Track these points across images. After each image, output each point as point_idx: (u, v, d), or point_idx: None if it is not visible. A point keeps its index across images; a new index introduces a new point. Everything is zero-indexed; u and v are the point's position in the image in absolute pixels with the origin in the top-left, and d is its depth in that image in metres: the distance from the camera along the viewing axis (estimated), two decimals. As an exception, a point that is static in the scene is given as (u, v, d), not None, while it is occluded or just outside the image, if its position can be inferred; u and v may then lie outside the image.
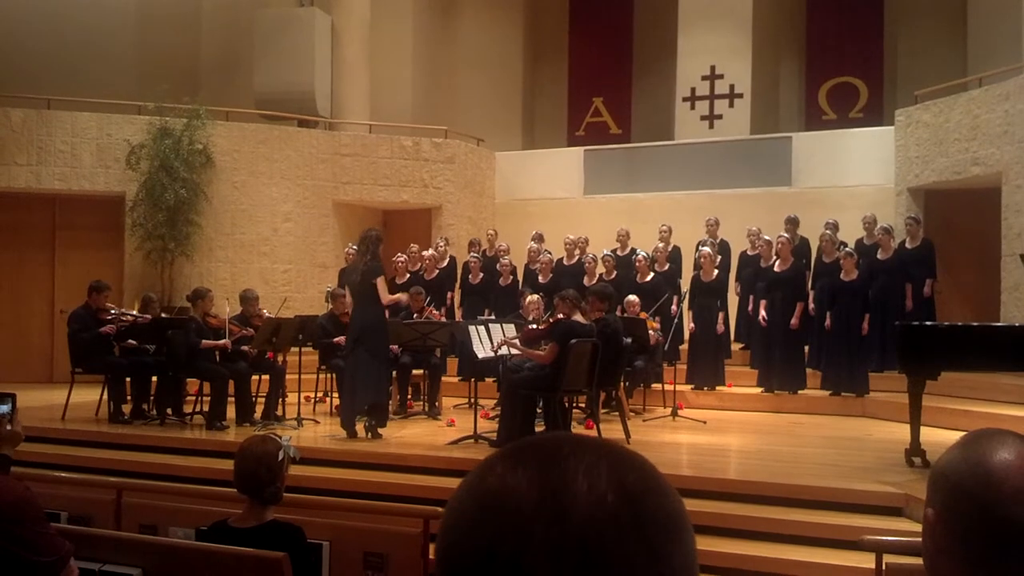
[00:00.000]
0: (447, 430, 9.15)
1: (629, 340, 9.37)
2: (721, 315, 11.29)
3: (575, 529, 0.75)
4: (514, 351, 8.52)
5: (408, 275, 12.25)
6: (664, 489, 0.82)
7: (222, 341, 9.42)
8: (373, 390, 8.56)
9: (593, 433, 8.39)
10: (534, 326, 8.92)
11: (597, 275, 11.89)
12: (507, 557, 0.75)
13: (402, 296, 10.06)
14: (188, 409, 9.79)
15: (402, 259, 12.38)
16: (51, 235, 13.94)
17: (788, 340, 10.82)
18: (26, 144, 13.43)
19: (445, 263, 12.92)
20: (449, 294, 12.76)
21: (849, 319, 10.53)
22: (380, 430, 8.57)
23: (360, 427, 8.51)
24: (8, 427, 3.50)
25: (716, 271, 11.42)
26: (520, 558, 0.75)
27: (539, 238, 13.27)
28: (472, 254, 12.98)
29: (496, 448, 7.86)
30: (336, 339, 10.37)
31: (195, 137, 13.65)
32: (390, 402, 10.57)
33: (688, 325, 11.41)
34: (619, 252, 12.60)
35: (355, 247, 11.76)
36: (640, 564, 0.76)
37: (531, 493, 0.77)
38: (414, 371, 10.65)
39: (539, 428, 8.35)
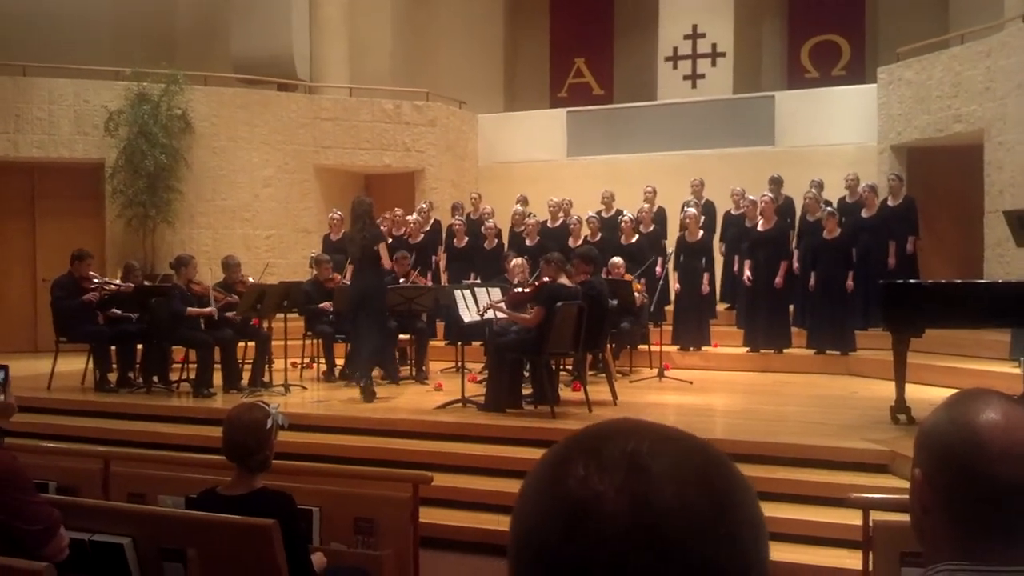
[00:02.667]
0: (435, 394, 9.17)
1: (614, 302, 9.38)
2: (706, 275, 11.30)
3: (673, 541, 0.74)
4: (500, 315, 8.52)
5: (391, 239, 12.19)
6: (743, 484, 0.82)
7: (207, 309, 9.38)
8: (380, 352, 9.00)
9: (580, 395, 8.44)
10: (519, 289, 8.92)
11: (582, 237, 11.87)
12: (605, 571, 0.74)
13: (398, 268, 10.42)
14: (174, 377, 9.77)
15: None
16: (31, 204, 13.80)
17: (773, 299, 10.86)
18: (2, 112, 13.25)
19: (429, 227, 12.86)
20: (434, 258, 12.71)
21: (832, 277, 10.56)
22: (387, 382, 9.28)
23: (356, 391, 8.66)
24: (1, 398, 3.48)
25: (701, 232, 11.42)
26: (620, 572, 0.73)
27: (524, 201, 13.22)
28: (456, 217, 12.92)
29: (483, 411, 7.91)
30: (321, 305, 10.35)
31: (173, 102, 13.51)
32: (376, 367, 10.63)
33: (673, 286, 11.43)
34: (604, 214, 12.57)
35: (339, 213, 11.73)
36: (735, 565, 0.76)
37: (621, 502, 0.75)
38: (401, 336, 10.64)
39: (526, 391, 8.37)
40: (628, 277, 10.49)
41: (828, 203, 11.31)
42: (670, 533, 0.74)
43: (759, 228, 11.00)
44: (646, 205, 12.25)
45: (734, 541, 0.76)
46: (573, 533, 0.75)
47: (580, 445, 0.81)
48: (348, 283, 9.68)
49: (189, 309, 9.29)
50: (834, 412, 7.95)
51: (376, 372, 9.27)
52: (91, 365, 9.75)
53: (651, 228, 11.89)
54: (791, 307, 11.17)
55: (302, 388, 9.74)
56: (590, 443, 0.81)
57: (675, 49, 15.93)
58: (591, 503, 0.76)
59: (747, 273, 10.99)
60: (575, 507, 0.76)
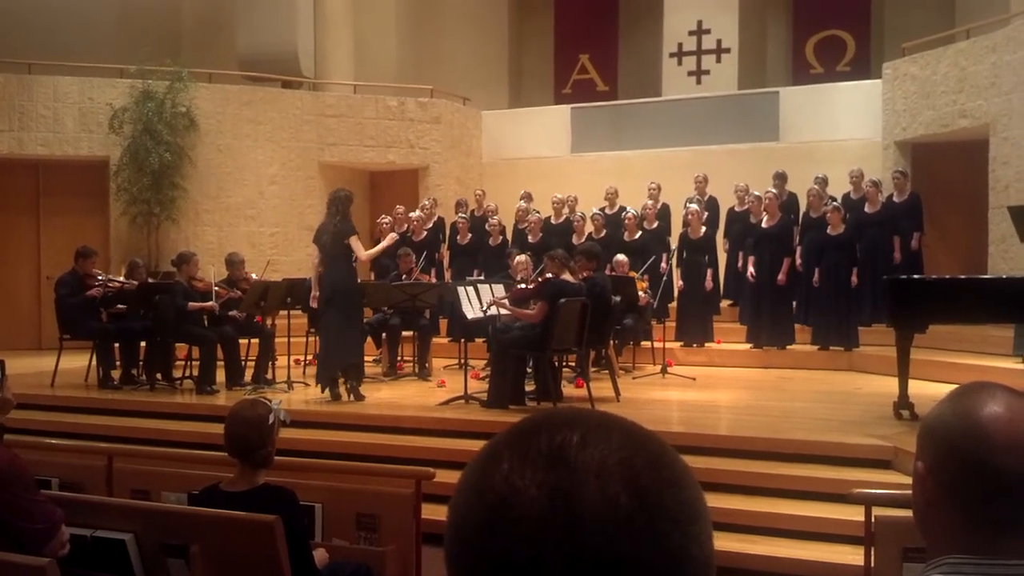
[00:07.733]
0: (438, 391, 9.16)
1: (618, 299, 9.37)
2: (709, 272, 11.29)
3: (589, 538, 0.73)
4: (503, 311, 8.52)
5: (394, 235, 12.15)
6: (680, 480, 0.80)
7: (208, 303, 9.39)
8: (345, 352, 8.45)
9: (583, 392, 8.43)
10: (523, 286, 8.91)
11: (586, 234, 11.85)
12: (522, 566, 0.74)
13: (388, 241, 9.55)
14: (177, 374, 9.78)
15: (386, 220, 12.29)
16: (35, 201, 13.82)
17: (776, 296, 10.84)
18: (7, 109, 13.28)
19: (432, 224, 12.84)
20: (437, 255, 12.70)
21: (836, 273, 10.54)
22: (361, 390, 8.52)
23: (343, 389, 8.51)
24: (-2, 394, 3.48)
25: (704, 228, 11.41)
26: (536, 568, 0.73)
27: (527, 197, 13.20)
28: (460, 214, 12.91)
29: (486, 408, 7.90)
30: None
31: (178, 100, 13.52)
32: (379, 363, 10.61)
33: (677, 282, 11.41)
34: (607, 210, 12.54)
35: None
36: (657, 563, 0.75)
37: (541, 499, 0.75)
38: (404, 332, 10.63)
39: (529, 387, 8.37)
40: (632, 274, 10.48)
41: (832, 199, 11.29)
42: (587, 530, 0.73)
43: (763, 224, 10.99)
44: (650, 202, 12.23)
45: (657, 538, 0.75)
46: (494, 528, 0.76)
47: (511, 438, 0.81)
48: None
49: (191, 304, 9.30)
50: (837, 408, 7.93)
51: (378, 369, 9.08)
52: (95, 362, 9.76)
53: (655, 225, 11.86)
54: (794, 303, 11.15)
55: (305, 385, 9.74)
56: (521, 436, 0.80)
57: (680, 45, 15.90)
58: (511, 499, 0.76)
59: (751, 269, 10.97)
60: (496, 502, 0.76)
